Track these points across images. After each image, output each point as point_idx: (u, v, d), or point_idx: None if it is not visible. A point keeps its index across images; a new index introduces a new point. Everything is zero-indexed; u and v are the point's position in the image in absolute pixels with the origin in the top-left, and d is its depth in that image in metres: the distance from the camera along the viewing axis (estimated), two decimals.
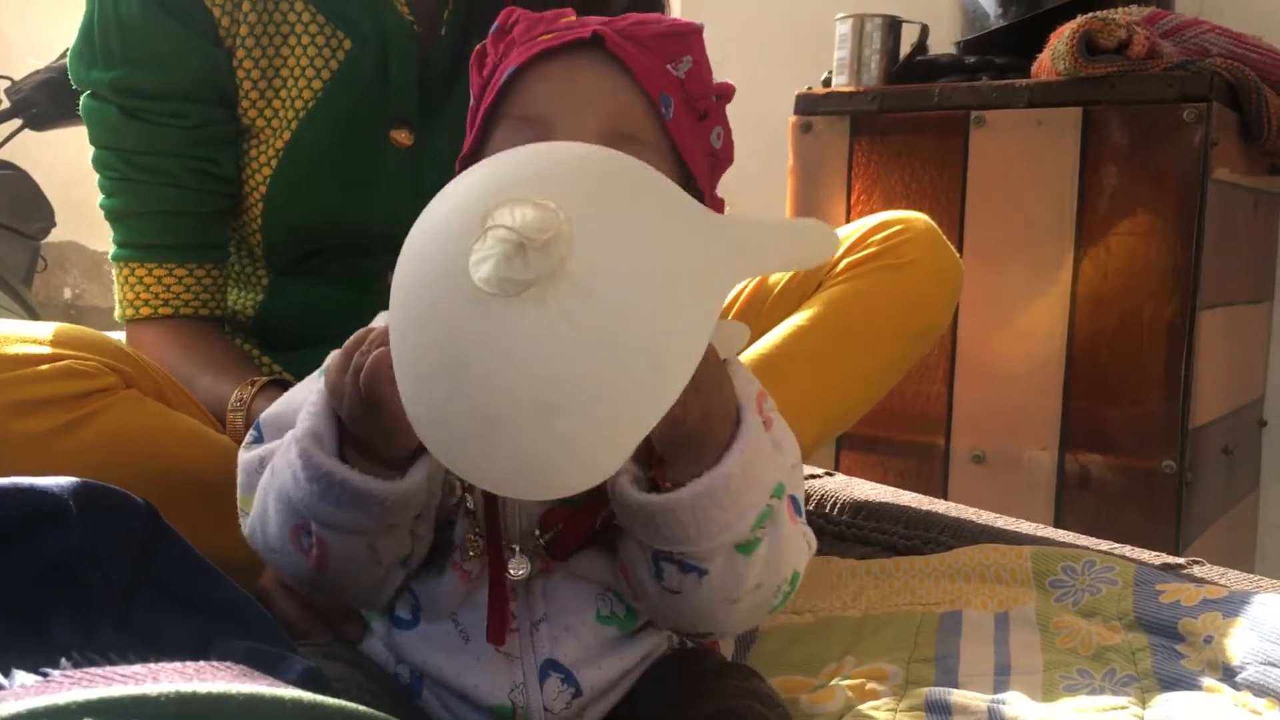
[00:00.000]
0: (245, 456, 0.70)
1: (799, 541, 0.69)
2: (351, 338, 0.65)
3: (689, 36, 0.73)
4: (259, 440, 0.71)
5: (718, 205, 0.77)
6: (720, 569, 0.64)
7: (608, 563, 0.70)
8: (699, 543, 0.62)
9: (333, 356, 0.65)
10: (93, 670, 0.35)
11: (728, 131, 0.77)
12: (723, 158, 0.77)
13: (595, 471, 0.55)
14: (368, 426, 0.62)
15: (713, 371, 0.61)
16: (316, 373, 0.71)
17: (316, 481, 0.62)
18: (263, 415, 0.72)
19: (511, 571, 0.67)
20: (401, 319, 0.58)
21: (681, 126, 0.71)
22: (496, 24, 0.75)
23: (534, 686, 0.67)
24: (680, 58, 0.73)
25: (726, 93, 0.76)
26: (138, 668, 0.34)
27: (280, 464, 0.65)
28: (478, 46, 0.76)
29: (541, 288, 0.53)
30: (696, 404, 0.60)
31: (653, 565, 0.65)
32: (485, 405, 0.54)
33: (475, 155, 0.73)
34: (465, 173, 0.62)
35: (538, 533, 0.68)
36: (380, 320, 0.72)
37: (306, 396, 0.68)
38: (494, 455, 0.55)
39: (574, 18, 0.74)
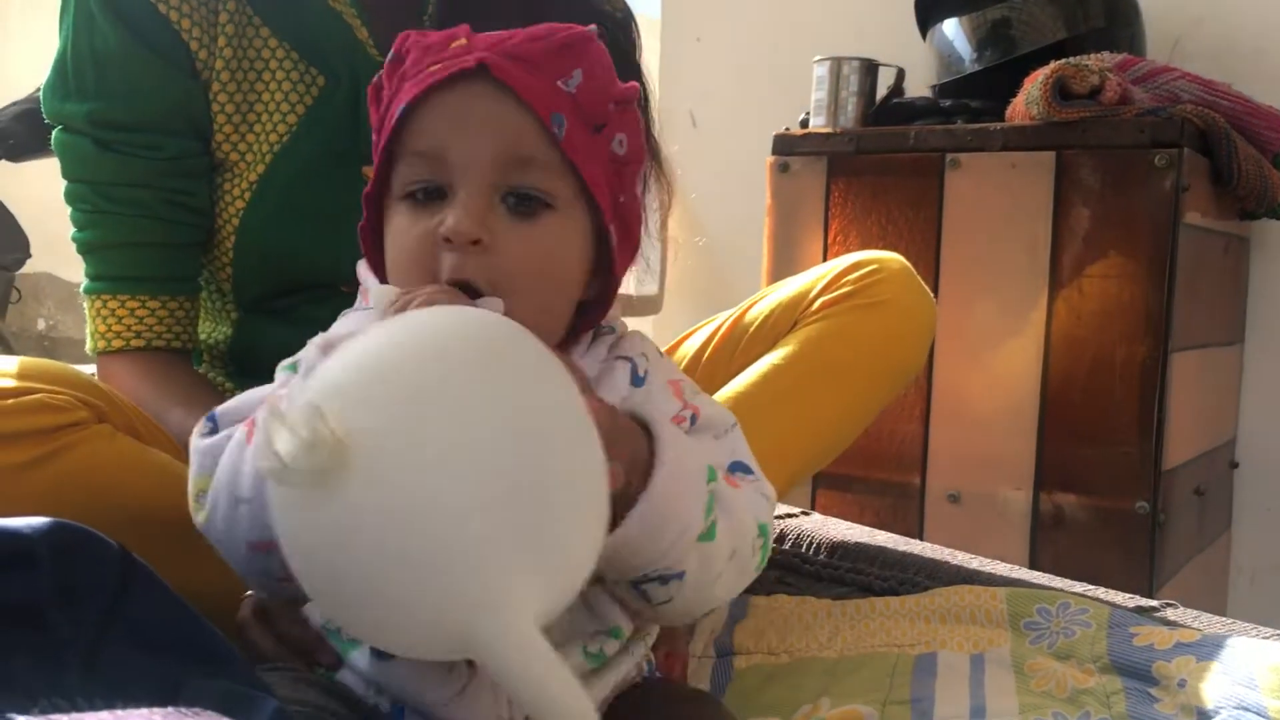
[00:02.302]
0: (203, 443, 0.70)
1: (751, 499, 0.74)
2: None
3: (580, 46, 0.72)
4: (214, 430, 0.71)
5: (632, 206, 0.76)
6: (695, 564, 0.68)
7: (606, 606, 0.72)
8: (667, 556, 0.67)
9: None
10: (57, 717, 0.34)
11: (634, 134, 0.76)
12: (629, 160, 0.75)
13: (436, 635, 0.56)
14: None
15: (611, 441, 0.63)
16: (282, 366, 0.73)
17: None
18: (219, 408, 0.72)
19: None
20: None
21: (575, 142, 0.71)
22: (392, 52, 0.74)
23: (520, 717, 0.68)
24: (570, 72, 0.71)
25: (629, 97, 0.75)
26: (104, 715, 0.34)
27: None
28: (374, 79, 0.76)
29: (311, 488, 0.53)
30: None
31: (637, 592, 0.69)
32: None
33: (380, 192, 0.74)
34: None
35: None
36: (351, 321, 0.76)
37: (265, 390, 0.72)
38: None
39: (464, 41, 0.72)
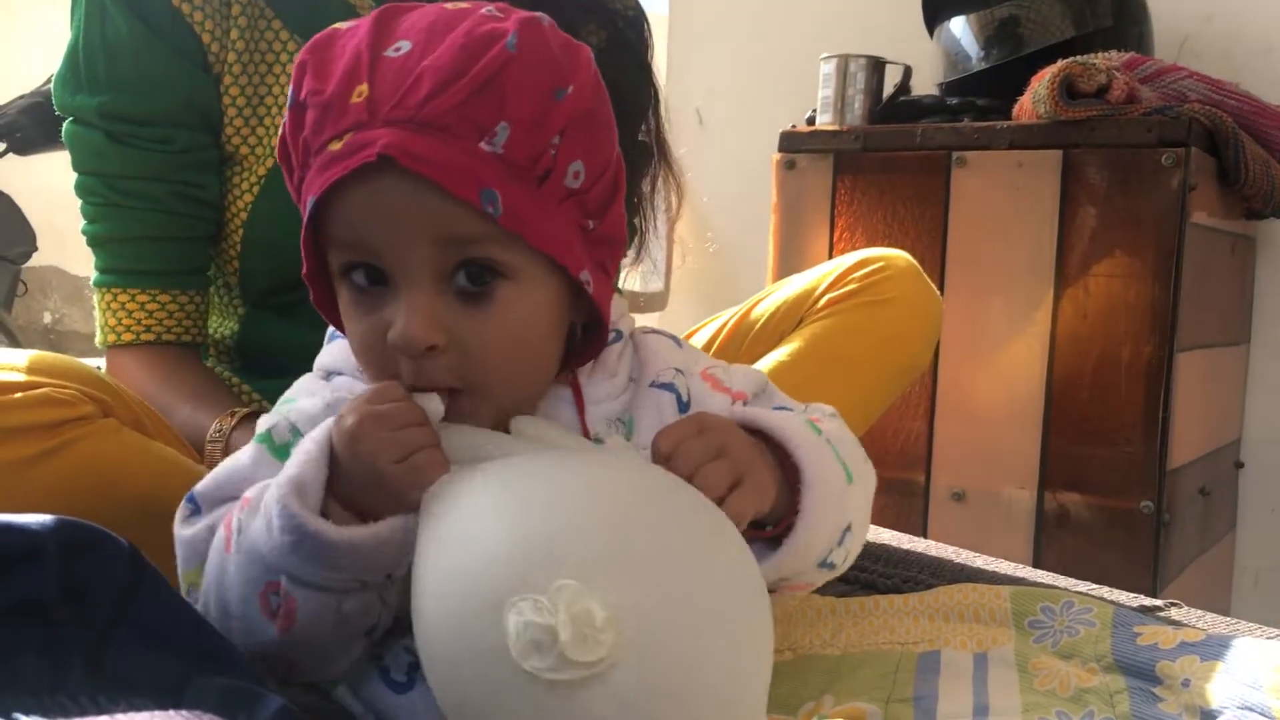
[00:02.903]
0: (186, 532, 0.67)
1: (835, 423, 0.78)
2: (394, 407, 0.62)
3: (500, 78, 0.61)
4: (197, 513, 0.69)
5: (612, 226, 0.69)
6: (853, 508, 0.73)
7: None
8: (839, 524, 0.71)
9: (351, 418, 0.62)
10: None
11: (593, 150, 0.65)
12: (591, 185, 0.66)
13: None
14: (369, 496, 0.61)
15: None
16: (259, 435, 0.69)
17: (290, 532, 0.59)
18: (198, 488, 0.69)
19: None
20: (447, 687, 0.54)
21: (517, 212, 0.62)
22: (290, 91, 0.66)
23: None
24: (493, 127, 0.60)
25: (577, 112, 0.63)
26: None
27: (251, 519, 0.62)
28: (280, 131, 0.68)
29: (586, 680, 0.50)
30: None
31: (824, 569, 0.73)
32: None
33: (318, 277, 0.70)
34: (488, 509, 0.56)
35: None
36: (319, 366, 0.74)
37: (242, 465, 0.68)
38: None
39: (365, 90, 0.62)
